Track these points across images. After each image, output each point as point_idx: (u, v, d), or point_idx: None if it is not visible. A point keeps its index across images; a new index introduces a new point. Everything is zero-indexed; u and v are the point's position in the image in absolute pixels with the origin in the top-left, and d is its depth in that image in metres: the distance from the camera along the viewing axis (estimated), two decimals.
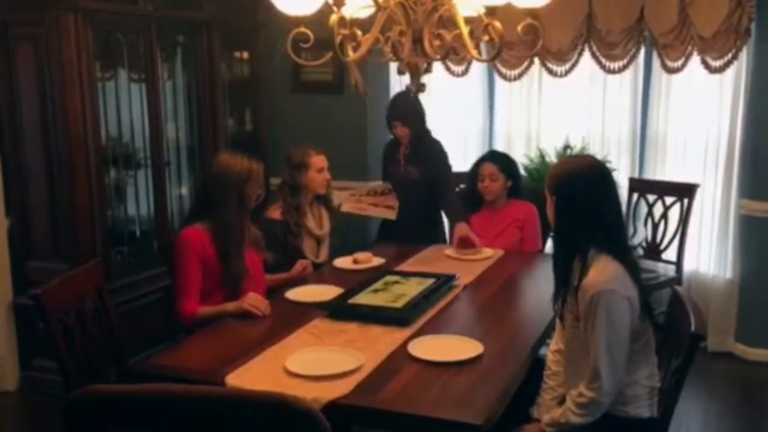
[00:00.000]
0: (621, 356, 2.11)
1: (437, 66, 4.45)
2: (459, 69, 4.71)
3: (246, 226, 2.93)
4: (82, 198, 3.61)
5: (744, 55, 4.10)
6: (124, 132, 3.91)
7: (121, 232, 3.97)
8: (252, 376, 2.17)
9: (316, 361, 2.22)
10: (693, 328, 2.12)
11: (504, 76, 4.64)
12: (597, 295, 2.11)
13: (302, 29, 2.26)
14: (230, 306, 2.77)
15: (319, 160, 3.46)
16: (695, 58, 4.16)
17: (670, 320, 2.44)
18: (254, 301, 2.74)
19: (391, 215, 3.87)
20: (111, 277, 3.60)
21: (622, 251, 2.21)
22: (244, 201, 2.89)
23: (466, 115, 4.90)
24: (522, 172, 4.46)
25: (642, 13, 4.20)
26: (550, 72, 4.51)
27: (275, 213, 3.44)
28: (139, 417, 1.27)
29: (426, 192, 3.86)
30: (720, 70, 4.12)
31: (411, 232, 3.84)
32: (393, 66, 4.35)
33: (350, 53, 2.34)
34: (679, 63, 4.21)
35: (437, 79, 4.63)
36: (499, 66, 4.60)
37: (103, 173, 3.74)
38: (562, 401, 2.26)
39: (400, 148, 3.96)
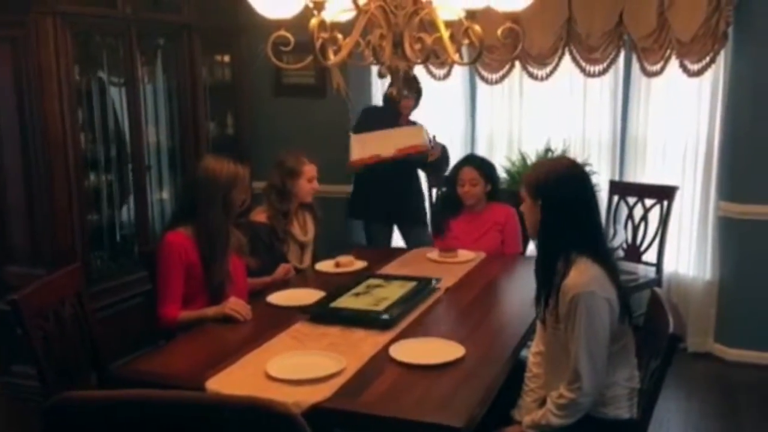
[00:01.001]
0: (601, 357, 2.13)
1: (419, 69, 4.47)
2: (440, 72, 4.73)
3: (230, 231, 2.91)
4: (61, 202, 3.58)
5: (722, 59, 4.16)
6: (104, 135, 3.88)
7: (101, 237, 3.94)
8: (233, 381, 2.16)
9: (298, 365, 2.22)
10: (672, 329, 2.14)
11: (485, 80, 4.66)
12: (577, 297, 2.12)
13: (282, 32, 2.26)
14: (211, 310, 2.75)
15: (311, 169, 3.48)
16: (674, 62, 4.21)
17: (649, 321, 2.45)
18: (236, 305, 2.73)
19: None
20: (91, 282, 3.56)
21: (601, 253, 2.23)
22: (229, 206, 2.87)
23: (448, 118, 4.92)
24: (503, 175, 4.50)
25: (621, 18, 4.24)
26: (531, 75, 4.54)
27: (260, 216, 3.42)
28: (116, 423, 1.26)
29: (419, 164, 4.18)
30: (698, 73, 4.17)
31: (400, 199, 4.19)
32: (375, 69, 4.38)
33: (331, 57, 2.34)
34: (658, 66, 4.26)
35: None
36: (480, 69, 4.62)
37: (82, 177, 3.70)
38: (543, 403, 2.27)
39: (398, 119, 4.17)
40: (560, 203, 2.23)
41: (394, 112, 4.17)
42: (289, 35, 2.25)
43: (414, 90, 4.19)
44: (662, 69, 4.26)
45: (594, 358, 2.11)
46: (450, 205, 3.82)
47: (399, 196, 4.29)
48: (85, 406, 1.27)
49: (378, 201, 4.26)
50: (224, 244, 2.85)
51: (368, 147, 4.03)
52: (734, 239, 4.24)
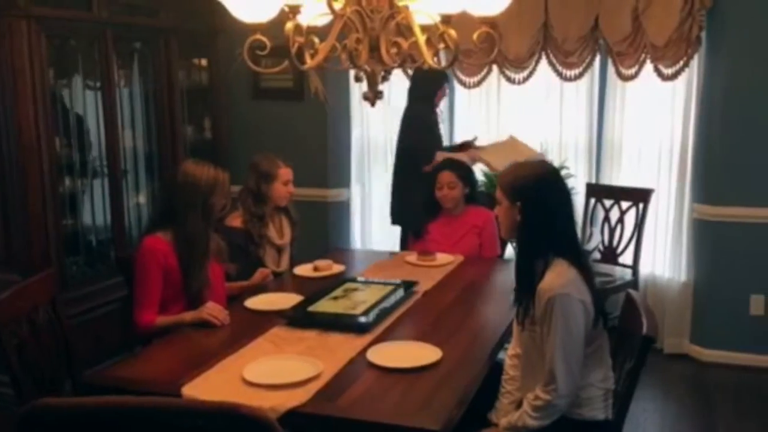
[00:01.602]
0: (576, 359, 2.15)
1: (397, 73, 4.47)
2: None
3: (210, 237, 2.89)
4: (36, 207, 3.54)
5: (695, 63, 4.21)
6: (79, 140, 3.85)
7: (77, 242, 3.90)
8: (210, 386, 2.15)
9: (275, 370, 2.21)
10: (645, 330, 2.16)
11: (463, 84, 4.68)
12: (553, 299, 2.14)
13: (259, 36, 2.25)
14: (188, 315, 2.73)
15: (286, 173, 3.45)
16: (648, 66, 4.26)
17: (623, 323, 2.48)
18: (213, 310, 2.71)
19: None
20: (67, 288, 3.54)
21: (577, 256, 2.25)
22: (208, 211, 2.84)
23: None
24: (482, 178, 4.53)
25: (597, 22, 4.28)
26: (508, 79, 4.57)
27: (236, 221, 3.40)
28: (92, 430, 1.25)
29: None
30: (672, 77, 4.22)
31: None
32: (353, 72, 4.39)
33: (308, 61, 2.34)
34: (633, 71, 4.31)
35: (397, 87, 4.65)
36: (458, 73, 4.65)
37: (57, 182, 3.67)
38: (519, 405, 2.28)
39: (433, 110, 4.26)
40: (541, 205, 2.25)
41: (430, 102, 4.26)
42: (265, 39, 2.25)
43: (445, 80, 4.25)
44: (637, 73, 4.31)
45: (569, 360, 2.13)
46: (428, 208, 3.83)
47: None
48: (61, 412, 1.26)
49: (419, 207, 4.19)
50: (204, 249, 2.83)
51: (508, 158, 4.02)
52: (708, 241, 4.29)
